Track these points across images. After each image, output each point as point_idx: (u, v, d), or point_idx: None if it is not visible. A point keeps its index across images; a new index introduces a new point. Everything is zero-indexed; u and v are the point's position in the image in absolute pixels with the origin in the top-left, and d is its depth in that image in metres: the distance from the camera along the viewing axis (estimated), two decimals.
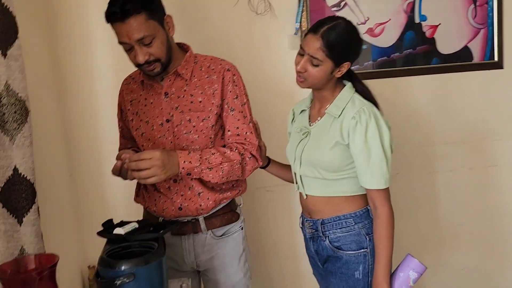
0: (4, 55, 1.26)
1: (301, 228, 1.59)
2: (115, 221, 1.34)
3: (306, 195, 1.49)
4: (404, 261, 1.42)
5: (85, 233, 2.00)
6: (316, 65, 1.38)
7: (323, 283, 1.58)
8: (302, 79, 1.43)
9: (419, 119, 2.23)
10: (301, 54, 1.42)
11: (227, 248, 1.51)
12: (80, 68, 1.97)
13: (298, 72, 1.42)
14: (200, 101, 1.43)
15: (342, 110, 1.41)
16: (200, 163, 1.36)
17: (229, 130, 1.45)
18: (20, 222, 1.31)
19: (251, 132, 1.46)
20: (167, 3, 1.46)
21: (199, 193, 1.45)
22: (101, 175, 1.99)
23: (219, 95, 1.43)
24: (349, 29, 1.39)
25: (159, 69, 1.38)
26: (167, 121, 1.43)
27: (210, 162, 1.37)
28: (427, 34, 2.15)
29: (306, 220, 1.52)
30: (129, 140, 1.58)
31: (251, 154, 1.46)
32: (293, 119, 1.63)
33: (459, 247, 2.35)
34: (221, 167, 1.39)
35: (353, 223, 1.43)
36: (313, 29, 1.39)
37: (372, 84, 1.51)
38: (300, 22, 2.05)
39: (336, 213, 1.44)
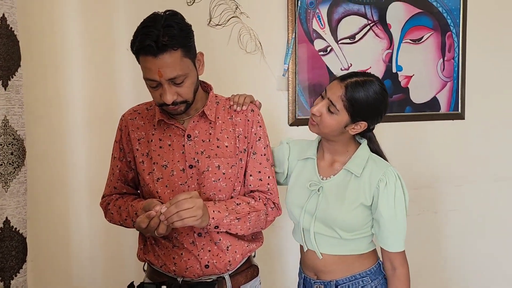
0: (5, 86, 1.06)
1: None
2: None
3: (321, 254, 1.38)
4: None
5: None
6: (332, 113, 1.32)
7: None
8: (314, 123, 1.36)
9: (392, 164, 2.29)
10: (322, 96, 1.36)
11: None
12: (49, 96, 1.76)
13: (312, 114, 1.35)
14: (227, 146, 1.31)
15: (363, 169, 1.35)
16: (229, 213, 1.23)
17: (251, 175, 1.34)
18: (7, 286, 1.08)
19: (273, 176, 1.37)
20: None
21: (227, 247, 1.30)
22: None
23: (244, 138, 1.33)
24: (379, 91, 1.31)
25: (183, 109, 1.25)
26: (190, 166, 1.29)
27: (237, 212, 1.25)
28: (402, 83, 2.25)
29: (315, 283, 1.41)
30: (125, 185, 1.38)
31: (274, 203, 1.37)
32: (288, 155, 1.47)
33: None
34: (249, 217, 1.28)
35: (370, 281, 1.38)
36: (342, 77, 1.34)
37: None
38: (289, 64, 2.03)
39: (350, 273, 1.37)
